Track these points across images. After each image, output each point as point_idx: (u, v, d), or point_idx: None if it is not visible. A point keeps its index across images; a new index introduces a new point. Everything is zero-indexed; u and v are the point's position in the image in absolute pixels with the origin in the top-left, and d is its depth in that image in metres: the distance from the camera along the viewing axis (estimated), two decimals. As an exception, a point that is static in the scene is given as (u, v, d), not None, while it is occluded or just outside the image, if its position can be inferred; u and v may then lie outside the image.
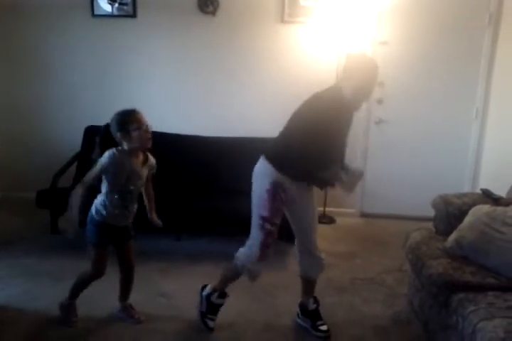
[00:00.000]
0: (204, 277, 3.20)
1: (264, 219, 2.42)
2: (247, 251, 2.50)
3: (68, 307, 2.66)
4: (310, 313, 2.67)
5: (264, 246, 2.44)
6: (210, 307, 2.64)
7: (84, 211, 2.42)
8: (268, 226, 2.42)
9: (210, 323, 2.63)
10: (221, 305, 2.65)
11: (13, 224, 4.09)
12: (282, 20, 4.27)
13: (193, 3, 4.28)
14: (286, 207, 2.50)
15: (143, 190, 2.60)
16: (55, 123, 4.52)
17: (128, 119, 2.36)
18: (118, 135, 2.37)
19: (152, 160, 2.56)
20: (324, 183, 2.52)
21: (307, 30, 4.28)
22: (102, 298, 2.83)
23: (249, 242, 2.50)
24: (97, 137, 2.45)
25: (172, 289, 3.07)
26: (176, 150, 4.11)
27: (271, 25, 4.30)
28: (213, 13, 4.28)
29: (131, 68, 4.45)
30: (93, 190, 2.41)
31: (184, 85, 4.47)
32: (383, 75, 4.28)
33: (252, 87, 4.39)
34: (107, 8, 4.32)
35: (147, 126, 2.40)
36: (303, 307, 2.70)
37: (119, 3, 4.31)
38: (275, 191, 2.38)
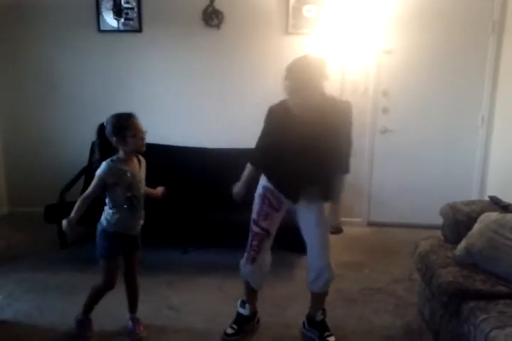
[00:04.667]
0: (212, 289, 3.21)
1: (253, 221, 2.55)
2: (243, 258, 2.63)
3: (83, 322, 2.65)
4: (317, 324, 2.65)
5: (251, 249, 2.54)
6: (236, 315, 2.74)
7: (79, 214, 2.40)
8: (255, 228, 2.53)
9: (227, 330, 2.66)
10: (240, 314, 2.71)
11: (22, 238, 4.10)
12: (286, 32, 4.30)
13: (198, 17, 4.32)
14: (297, 218, 2.56)
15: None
16: (62, 138, 4.56)
17: (125, 125, 2.36)
18: (113, 139, 2.38)
19: (143, 160, 2.56)
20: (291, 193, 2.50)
21: (311, 41, 4.30)
22: (114, 310, 2.81)
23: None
24: (95, 140, 2.48)
25: (180, 302, 3.05)
26: (182, 163, 4.12)
27: (275, 37, 4.33)
28: (218, 26, 4.32)
29: (137, 82, 4.49)
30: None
31: (189, 98, 4.50)
32: (388, 84, 4.37)
33: (257, 98, 4.41)
34: (112, 23, 4.37)
35: (143, 132, 2.41)
36: (310, 318, 2.69)
37: (125, 19, 4.36)
38: (264, 195, 2.51)
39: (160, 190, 2.66)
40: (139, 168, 2.49)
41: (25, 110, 4.62)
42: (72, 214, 2.36)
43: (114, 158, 2.41)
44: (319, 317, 2.65)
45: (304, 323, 2.72)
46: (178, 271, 3.49)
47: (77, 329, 2.64)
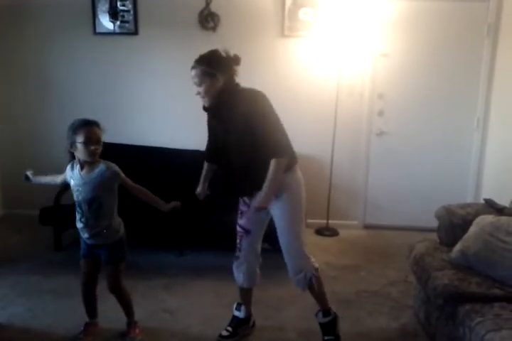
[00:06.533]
0: (208, 292, 3.20)
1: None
2: None
3: (84, 325, 2.67)
4: (320, 326, 2.62)
5: (236, 246, 2.62)
6: (232, 318, 2.75)
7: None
8: (237, 227, 2.61)
9: (222, 332, 2.67)
10: (235, 316, 2.71)
11: (17, 241, 4.08)
12: (282, 35, 4.30)
13: (194, 20, 4.32)
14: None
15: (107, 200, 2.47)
16: (58, 140, 4.51)
17: (79, 131, 2.35)
18: (67, 142, 2.40)
19: (106, 169, 2.41)
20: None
21: (307, 44, 4.31)
22: (109, 314, 2.79)
23: None
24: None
25: (176, 305, 3.04)
26: (177, 165, 4.11)
27: (271, 40, 4.33)
28: (214, 28, 4.32)
29: (133, 84, 4.48)
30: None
31: (184, 101, 4.48)
32: (384, 87, 4.38)
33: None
34: (108, 26, 4.36)
35: (97, 142, 2.36)
36: (316, 316, 2.64)
37: (121, 21, 4.36)
38: None
39: (172, 204, 2.54)
40: (89, 177, 2.42)
41: (21, 112, 4.61)
42: (35, 178, 2.74)
43: (74, 161, 2.48)
44: (321, 319, 2.60)
45: None
46: (174, 274, 3.48)
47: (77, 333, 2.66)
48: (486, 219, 2.55)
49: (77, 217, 2.50)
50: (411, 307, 2.97)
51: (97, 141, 2.37)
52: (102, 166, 2.42)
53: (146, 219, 3.63)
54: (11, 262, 3.64)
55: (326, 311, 2.60)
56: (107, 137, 2.49)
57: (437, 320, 2.48)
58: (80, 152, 2.37)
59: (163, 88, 4.50)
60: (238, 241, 2.60)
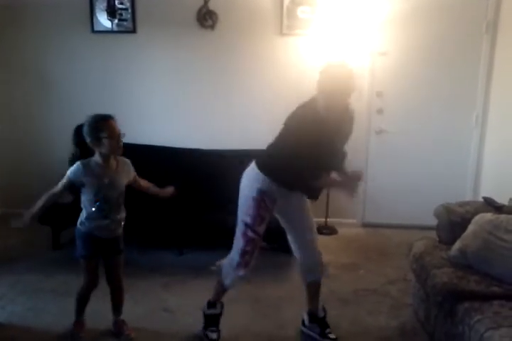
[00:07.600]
0: (208, 291, 3.16)
1: (247, 226, 2.45)
2: (229, 259, 2.55)
3: (75, 324, 2.66)
4: (319, 321, 2.66)
5: (244, 253, 2.47)
6: (206, 319, 2.67)
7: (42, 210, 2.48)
8: (250, 233, 2.45)
9: (212, 335, 2.62)
10: (215, 314, 2.66)
11: (15, 240, 4.07)
12: (281, 33, 4.29)
13: (192, 18, 4.31)
14: (279, 216, 2.59)
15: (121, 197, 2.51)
16: (56, 138, 4.53)
17: (101, 126, 2.33)
18: (88, 140, 2.36)
19: (124, 163, 2.52)
20: (314, 193, 2.55)
21: (306, 42, 4.30)
22: (105, 310, 2.77)
23: (232, 250, 2.54)
24: (72, 139, 2.46)
25: (175, 304, 3.05)
26: (176, 164, 4.11)
27: (269, 38, 4.32)
28: (212, 27, 4.31)
29: (131, 83, 4.47)
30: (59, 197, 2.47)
31: (183, 99, 4.49)
32: (383, 85, 4.37)
33: (251, 99, 4.41)
34: (106, 24, 4.35)
35: (119, 134, 2.38)
36: (312, 314, 2.68)
37: (119, 19, 4.35)
38: (261, 199, 2.41)
39: (169, 191, 2.65)
40: (115, 171, 2.45)
41: (18, 111, 4.60)
42: (33, 209, 2.43)
43: (89, 159, 2.42)
44: (321, 313, 2.67)
45: (303, 321, 2.72)
46: (174, 272, 3.49)
47: (71, 330, 2.65)
48: (485, 217, 2.55)
49: (100, 214, 2.44)
50: (410, 306, 2.97)
51: (119, 134, 2.39)
52: (125, 161, 2.51)
53: (146, 218, 3.63)
54: (10, 261, 3.64)
55: (323, 306, 2.70)
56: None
57: (436, 318, 2.49)
58: (106, 147, 2.36)
59: (161, 86, 4.49)
60: (251, 248, 2.46)
